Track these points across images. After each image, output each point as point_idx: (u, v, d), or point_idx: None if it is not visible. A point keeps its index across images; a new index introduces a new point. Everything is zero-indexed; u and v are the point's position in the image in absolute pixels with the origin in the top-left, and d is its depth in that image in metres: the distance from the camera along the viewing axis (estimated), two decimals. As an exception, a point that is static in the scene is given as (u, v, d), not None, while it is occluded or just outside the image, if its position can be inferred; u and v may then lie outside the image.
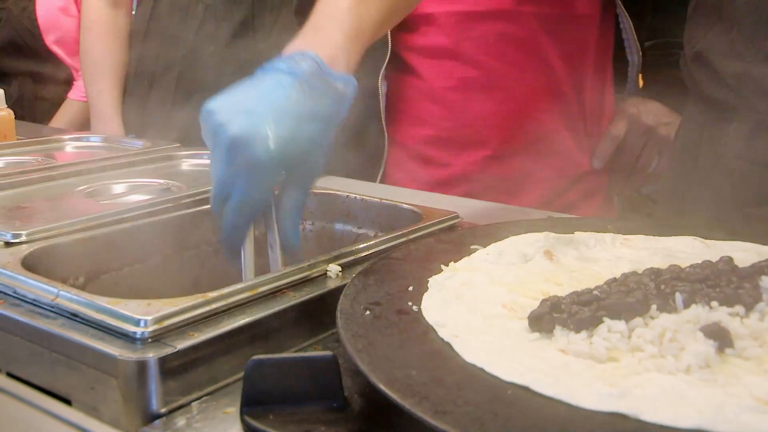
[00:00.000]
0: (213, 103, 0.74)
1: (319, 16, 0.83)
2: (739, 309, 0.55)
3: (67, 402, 0.60)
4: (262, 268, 0.78)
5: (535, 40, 1.24)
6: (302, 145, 0.73)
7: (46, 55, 2.43)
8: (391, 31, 1.23)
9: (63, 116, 2.32)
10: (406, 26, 1.26)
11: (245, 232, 0.77)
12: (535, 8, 1.23)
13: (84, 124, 2.16)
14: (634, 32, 1.31)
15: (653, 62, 1.35)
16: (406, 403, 0.47)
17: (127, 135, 1.75)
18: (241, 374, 0.55)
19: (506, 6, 1.23)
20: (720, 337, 0.51)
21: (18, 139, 1.46)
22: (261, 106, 0.72)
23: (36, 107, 2.44)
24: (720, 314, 0.54)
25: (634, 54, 1.33)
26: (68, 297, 0.64)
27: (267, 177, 0.73)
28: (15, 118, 1.48)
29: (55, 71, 2.44)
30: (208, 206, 0.92)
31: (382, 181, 1.30)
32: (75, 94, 2.36)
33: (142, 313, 0.59)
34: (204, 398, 0.58)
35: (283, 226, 0.77)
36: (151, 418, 0.56)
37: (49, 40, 2.42)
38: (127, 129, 1.85)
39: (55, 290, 0.65)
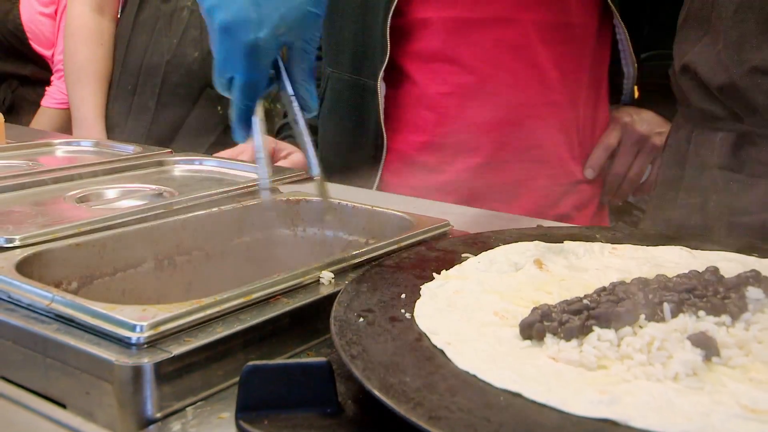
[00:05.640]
0: None
1: None
2: (726, 319, 0.56)
3: (62, 407, 0.60)
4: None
5: (530, 47, 1.24)
6: (295, 20, 0.74)
7: (34, 58, 2.43)
8: (389, 37, 1.24)
9: (38, 124, 2.32)
10: (403, 31, 1.26)
11: (254, 110, 0.78)
12: (532, 16, 1.23)
13: (59, 132, 2.15)
14: (630, 43, 1.31)
15: (649, 73, 1.35)
16: (401, 409, 0.47)
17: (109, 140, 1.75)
18: (235, 379, 0.56)
19: (503, 13, 1.23)
20: (707, 346, 0.52)
21: (7, 143, 1.45)
22: None
23: (22, 109, 2.44)
24: (707, 324, 0.55)
25: (629, 65, 1.33)
26: (63, 302, 0.64)
27: (264, 57, 0.73)
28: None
29: (42, 74, 2.44)
30: (201, 212, 0.93)
31: (378, 186, 1.31)
32: (48, 101, 2.35)
33: (138, 319, 0.60)
34: (199, 403, 0.59)
35: (300, 95, 0.78)
36: (147, 423, 0.56)
37: (35, 43, 2.42)
38: (109, 135, 1.85)
39: (50, 295, 0.65)
